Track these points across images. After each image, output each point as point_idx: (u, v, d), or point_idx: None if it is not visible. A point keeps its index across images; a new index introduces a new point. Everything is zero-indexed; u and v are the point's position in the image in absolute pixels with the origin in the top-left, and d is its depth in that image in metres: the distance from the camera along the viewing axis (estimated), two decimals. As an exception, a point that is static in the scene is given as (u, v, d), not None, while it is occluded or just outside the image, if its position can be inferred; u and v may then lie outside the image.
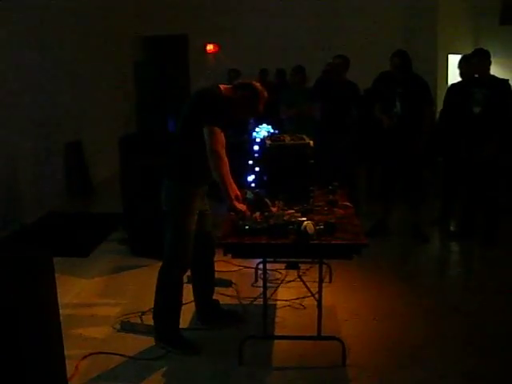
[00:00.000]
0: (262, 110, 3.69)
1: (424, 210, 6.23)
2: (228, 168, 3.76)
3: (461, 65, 6.27)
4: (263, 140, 4.60)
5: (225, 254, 3.42)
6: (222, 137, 3.51)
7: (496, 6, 10.20)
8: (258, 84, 3.68)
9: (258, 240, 3.37)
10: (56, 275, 2.90)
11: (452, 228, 6.39)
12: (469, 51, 6.48)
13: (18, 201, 6.57)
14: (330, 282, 4.80)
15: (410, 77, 5.78)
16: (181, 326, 3.82)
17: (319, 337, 3.66)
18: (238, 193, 3.88)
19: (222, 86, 3.65)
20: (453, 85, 6.51)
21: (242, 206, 3.62)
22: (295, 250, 3.38)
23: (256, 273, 4.85)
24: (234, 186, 3.90)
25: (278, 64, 9.92)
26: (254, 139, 5.08)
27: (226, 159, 3.82)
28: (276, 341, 3.85)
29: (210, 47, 11.49)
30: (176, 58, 11.37)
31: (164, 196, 3.69)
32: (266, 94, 3.65)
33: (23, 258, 2.76)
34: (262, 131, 5.29)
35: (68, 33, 7.95)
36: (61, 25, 7.72)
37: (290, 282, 4.67)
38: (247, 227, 3.45)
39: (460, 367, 3.56)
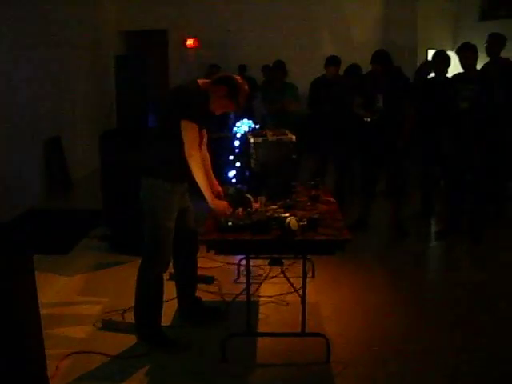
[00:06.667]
0: (243, 104, 3.64)
1: (404, 203, 6.25)
2: (207, 167, 3.75)
3: (435, 60, 6.29)
4: (244, 135, 4.56)
5: (208, 251, 3.39)
6: (198, 133, 3.48)
7: (476, 1, 10.24)
8: (238, 77, 3.63)
9: (241, 236, 3.34)
10: (36, 273, 2.86)
11: (436, 227, 6.33)
12: (448, 46, 6.52)
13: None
14: (313, 277, 4.79)
15: (392, 72, 5.79)
16: (163, 324, 3.79)
17: (303, 333, 3.64)
18: (220, 189, 3.87)
19: (200, 81, 3.61)
20: (430, 80, 6.53)
21: (222, 205, 3.58)
22: (279, 246, 3.36)
23: (238, 269, 4.82)
24: (216, 182, 3.88)
25: (258, 60, 9.88)
26: (235, 134, 5.05)
27: (206, 155, 3.81)
28: (259, 338, 3.83)
29: (189, 42, 11.41)
30: (155, 53, 11.26)
31: (142, 194, 3.64)
32: (246, 87, 3.60)
33: (1, 257, 2.71)
34: (243, 126, 5.25)
35: (44, 28, 7.80)
36: (36, 19, 7.57)
37: (272, 277, 4.66)
38: (230, 223, 3.42)
39: (445, 362, 3.56)
